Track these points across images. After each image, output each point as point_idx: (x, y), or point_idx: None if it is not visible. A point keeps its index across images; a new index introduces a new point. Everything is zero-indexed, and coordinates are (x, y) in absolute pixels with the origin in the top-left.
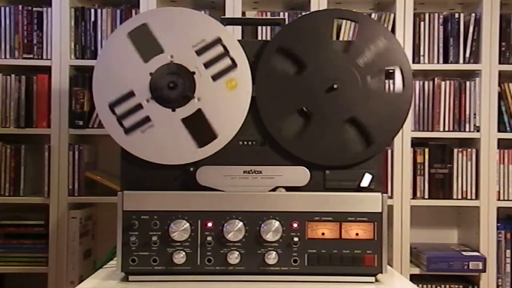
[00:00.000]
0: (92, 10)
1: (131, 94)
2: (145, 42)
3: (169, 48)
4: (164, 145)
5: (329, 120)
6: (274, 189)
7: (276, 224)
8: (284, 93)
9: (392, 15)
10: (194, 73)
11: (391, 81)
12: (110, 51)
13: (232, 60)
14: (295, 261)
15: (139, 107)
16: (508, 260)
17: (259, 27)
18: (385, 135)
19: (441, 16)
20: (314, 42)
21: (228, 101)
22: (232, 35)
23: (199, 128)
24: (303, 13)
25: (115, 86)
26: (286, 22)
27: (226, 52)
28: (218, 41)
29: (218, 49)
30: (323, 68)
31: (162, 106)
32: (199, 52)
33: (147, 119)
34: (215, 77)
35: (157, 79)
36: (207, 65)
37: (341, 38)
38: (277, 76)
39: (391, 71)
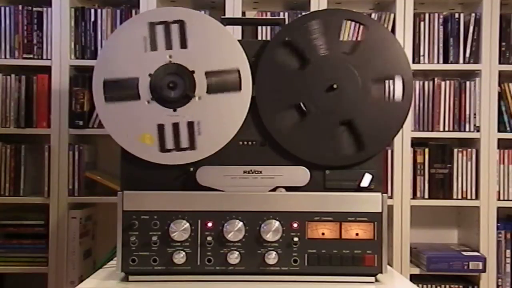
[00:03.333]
0: (92, 10)
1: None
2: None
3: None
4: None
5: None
6: (274, 189)
7: (276, 224)
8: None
9: (392, 15)
10: (193, 72)
11: (391, 89)
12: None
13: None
14: (295, 261)
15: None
16: (508, 260)
17: (259, 27)
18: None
19: (441, 16)
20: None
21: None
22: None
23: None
24: (303, 13)
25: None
26: (286, 22)
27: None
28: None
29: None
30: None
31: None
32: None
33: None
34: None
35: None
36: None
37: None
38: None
39: (393, 80)
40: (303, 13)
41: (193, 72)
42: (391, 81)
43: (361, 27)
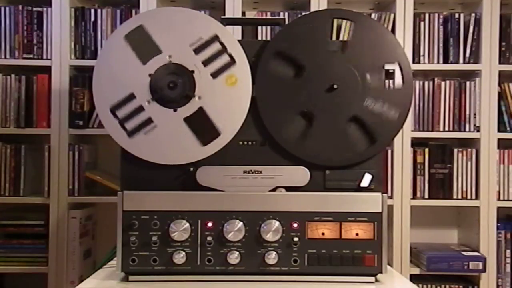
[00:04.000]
0: (92, 10)
1: (131, 97)
2: (143, 44)
3: (166, 48)
4: (167, 145)
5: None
6: (274, 189)
7: (276, 224)
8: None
9: (392, 15)
10: (193, 71)
11: (390, 78)
12: (108, 55)
13: (231, 56)
14: (295, 261)
15: (140, 109)
16: (508, 260)
17: (259, 27)
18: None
19: (441, 16)
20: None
21: (229, 98)
22: (229, 32)
23: (202, 126)
24: (303, 13)
25: (115, 90)
26: (286, 22)
27: (224, 49)
28: (216, 38)
29: (216, 47)
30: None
31: (163, 107)
32: (197, 51)
33: (149, 121)
34: (214, 75)
35: (156, 80)
36: (205, 63)
37: (341, 38)
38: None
39: (391, 70)
40: (303, 13)
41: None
42: (388, 70)
43: (350, 23)
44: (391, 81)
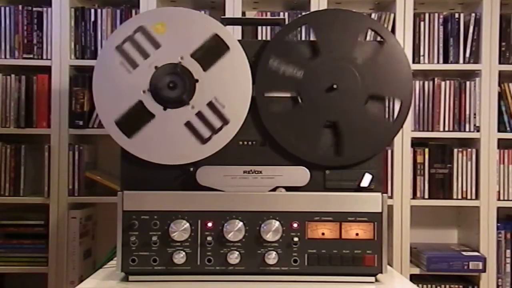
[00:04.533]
0: (92, 10)
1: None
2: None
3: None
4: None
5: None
6: (274, 189)
7: (276, 224)
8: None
9: (392, 15)
10: (197, 80)
11: (387, 108)
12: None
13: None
14: (295, 261)
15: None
16: (508, 260)
17: (259, 27)
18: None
19: (441, 16)
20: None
21: (230, 85)
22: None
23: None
24: (303, 13)
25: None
26: (286, 22)
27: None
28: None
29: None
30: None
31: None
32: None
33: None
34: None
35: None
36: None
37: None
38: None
39: (391, 100)
40: (303, 13)
41: (196, 80)
42: (389, 101)
43: (378, 37)
44: (386, 112)
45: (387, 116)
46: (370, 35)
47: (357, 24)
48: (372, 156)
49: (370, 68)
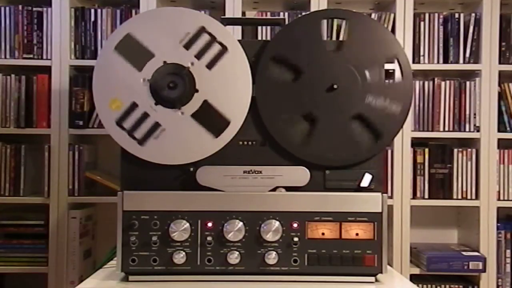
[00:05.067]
0: (92, 10)
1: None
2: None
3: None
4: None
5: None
6: (274, 189)
7: (276, 224)
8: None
9: (392, 15)
10: (189, 67)
11: (389, 72)
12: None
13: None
14: (295, 261)
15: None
16: (508, 260)
17: (259, 27)
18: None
19: (441, 16)
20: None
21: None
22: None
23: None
24: (303, 13)
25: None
26: (286, 22)
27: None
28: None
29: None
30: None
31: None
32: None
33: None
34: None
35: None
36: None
37: (336, 37)
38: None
39: (390, 70)
40: (303, 13)
41: (188, 68)
42: (388, 69)
43: (343, 22)
44: (390, 76)
45: (390, 81)
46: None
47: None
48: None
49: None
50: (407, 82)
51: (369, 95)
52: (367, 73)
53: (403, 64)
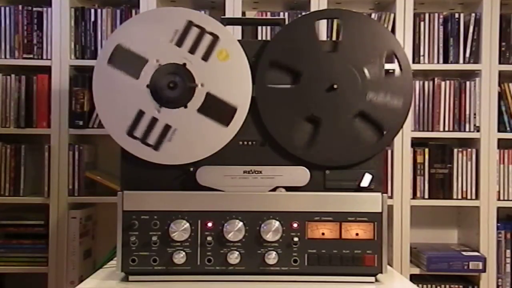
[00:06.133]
0: (92, 10)
1: (141, 113)
2: (127, 61)
3: (151, 55)
4: (194, 141)
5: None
6: (274, 189)
7: (276, 224)
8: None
9: (392, 15)
10: (185, 64)
11: (388, 66)
12: (102, 84)
13: (212, 34)
14: (295, 261)
15: (154, 120)
16: (508, 260)
17: (259, 27)
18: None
19: (441, 16)
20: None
21: (229, 72)
22: (201, 13)
23: (217, 109)
24: (303, 13)
25: (123, 114)
26: (286, 22)
27: (203, 31)
28: (190, 24)
29: (194, 32)
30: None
31: (174, 108)
32: (179, 44)
33: (167, 127)
34: (205, 57)
35: (156, 87)
36: (192, 51)
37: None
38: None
39: (391, 70)
40: (303, 13)
41: (184, 64)
42: (384, 59)
43: (335, 21)
44: (389, 70)
45: (390, 74)
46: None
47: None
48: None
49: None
50: (407, 76)
51: (370, 92)
52: (366, 70)
53: (401, 58)
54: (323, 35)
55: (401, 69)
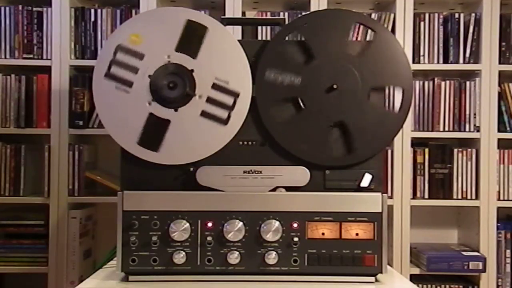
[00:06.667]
0: (92, 10)
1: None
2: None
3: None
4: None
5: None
6: (274, 189)
7: (276, 224)
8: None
9: (392, 15)
10: (192, 70)
11: (390, 99)
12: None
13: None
14: (295, 261)
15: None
16: (508, 260)
17: (259, 27)
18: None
19: (441, 16)
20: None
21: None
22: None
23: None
24: (302, 13)
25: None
26: (286, 22)
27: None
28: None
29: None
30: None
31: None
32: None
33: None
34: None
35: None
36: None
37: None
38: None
39: (393, 90)
40: (303, 13)
41: (192, 71)
42: (391, 91)
43: (369, 31)
44: (389, 103)
45: (388, 107)
46: (370, 35)
47: (345, 21)
48: (362, 161)
49: (369, 62)
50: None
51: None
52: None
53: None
54: None
55: (400, 108)
